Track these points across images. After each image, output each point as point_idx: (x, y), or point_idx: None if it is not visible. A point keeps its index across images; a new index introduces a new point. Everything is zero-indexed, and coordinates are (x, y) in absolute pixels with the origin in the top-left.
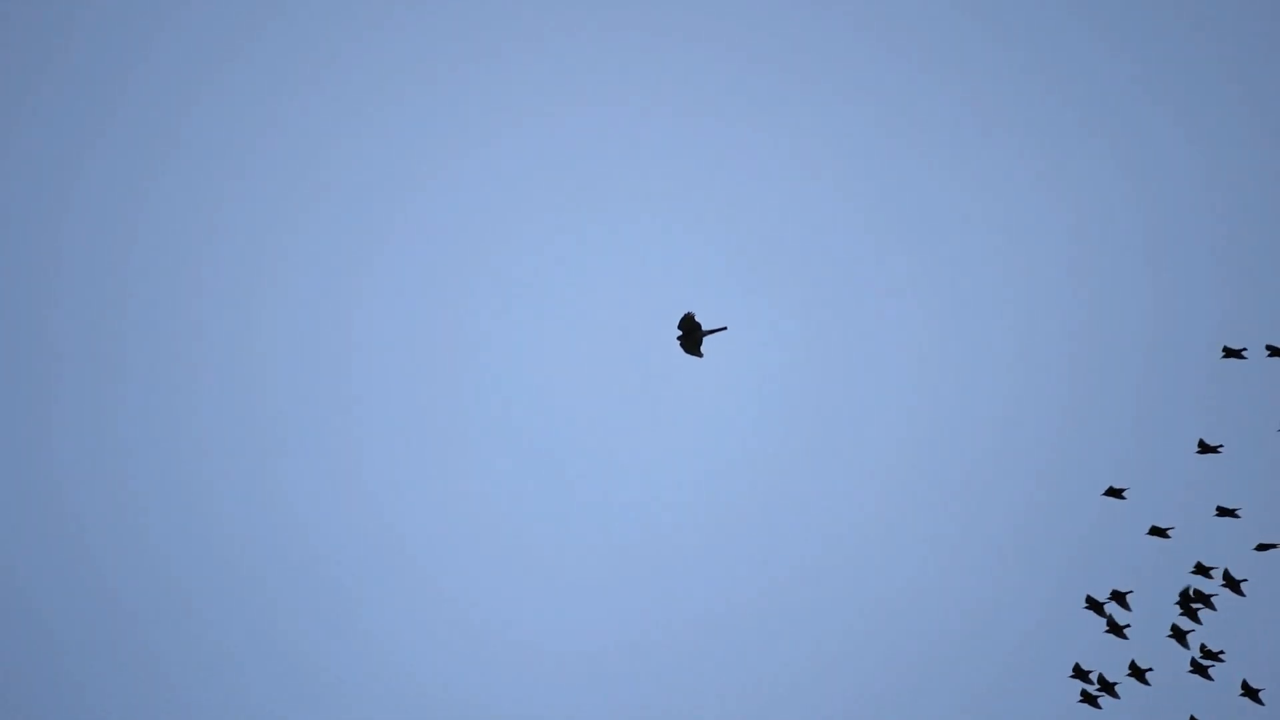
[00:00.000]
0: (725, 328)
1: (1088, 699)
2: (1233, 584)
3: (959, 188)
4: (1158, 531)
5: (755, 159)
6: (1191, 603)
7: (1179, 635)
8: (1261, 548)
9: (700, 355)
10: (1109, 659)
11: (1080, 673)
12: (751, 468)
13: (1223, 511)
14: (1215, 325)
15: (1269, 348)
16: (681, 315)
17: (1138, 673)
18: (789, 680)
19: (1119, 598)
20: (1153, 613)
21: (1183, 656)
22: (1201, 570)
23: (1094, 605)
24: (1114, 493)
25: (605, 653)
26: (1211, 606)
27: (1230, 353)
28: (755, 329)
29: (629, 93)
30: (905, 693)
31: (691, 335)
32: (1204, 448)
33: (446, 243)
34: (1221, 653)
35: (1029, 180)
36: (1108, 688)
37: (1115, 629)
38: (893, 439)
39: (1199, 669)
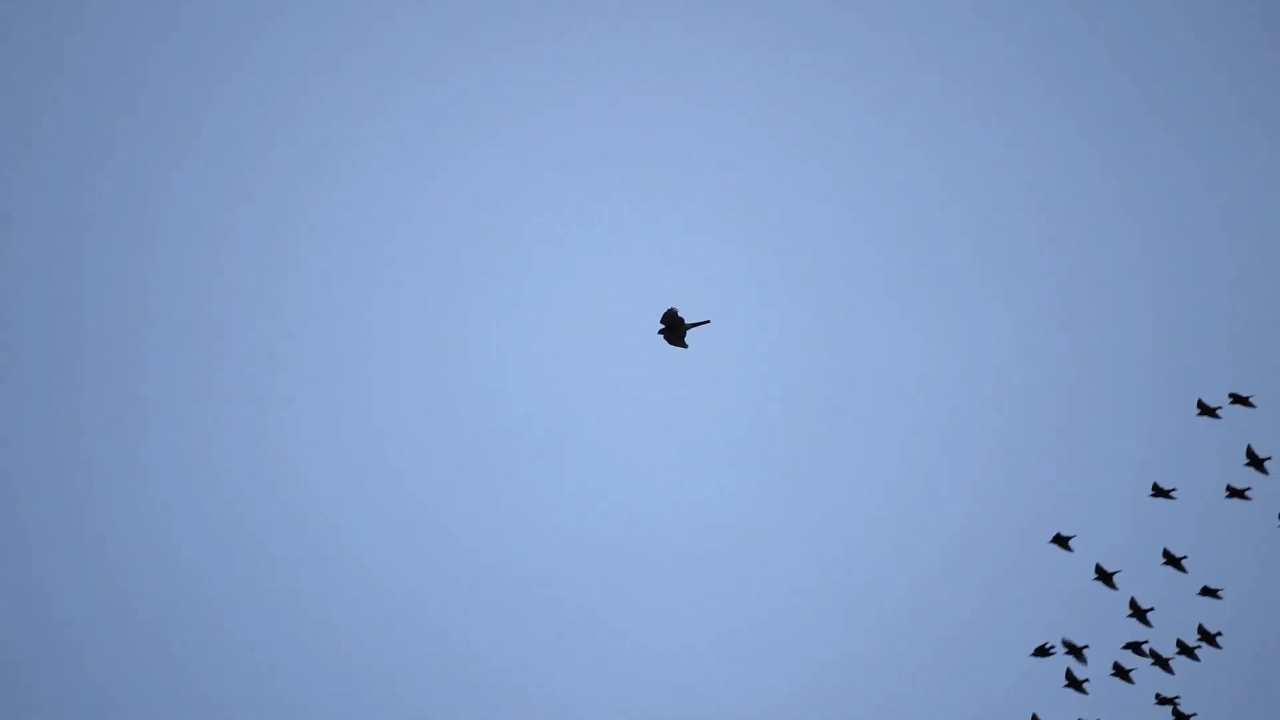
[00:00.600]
0: (709, 321)
1: None
2: (1208, 637)
3: (963, 190)
4: (1103, 575)
5: (760, 158)
6: (1143, 648)
7: (1122, 674)
8: (1205, 593)
9: (685, 346)
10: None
11: None
12: (758, 464)
13: (1169, 559)
14: (1215, 327)
15: (1232, 396)
16: (664, 311)
17: None
18: (797, 678)
19: (1075, 651)
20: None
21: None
22: (1137, 612)
23: (1041, 652)
24: (1060, 541)
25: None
26: (1195, 658)
27: (1205, 410)
28: (768, 327)
29: (635, 89)
30: (915, 693)
31: (675, 329)
32: (1158, 491)
33: (457, 238)
34: (1177, 698)
35: (1033, 185)
36: None
37: (1074, 683)
38: (899, 436)
39: (1180, 716)
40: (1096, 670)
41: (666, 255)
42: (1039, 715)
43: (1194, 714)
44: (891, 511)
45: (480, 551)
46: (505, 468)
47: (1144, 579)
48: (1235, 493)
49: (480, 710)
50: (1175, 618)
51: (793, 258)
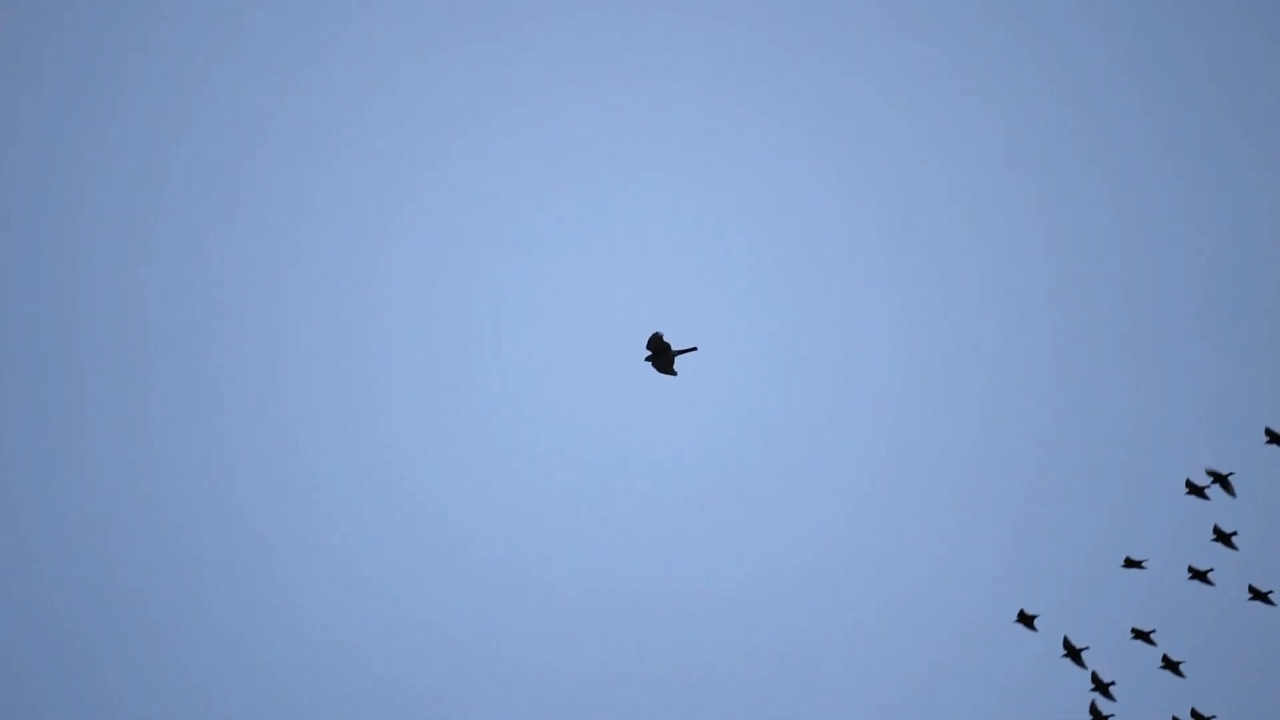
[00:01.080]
0: (695, 348)
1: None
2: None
3: (952, 187)
4: (1071, 652)
5: (767, 148)
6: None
7: (1097, 715)
8: (1167, 664)
9: (674, 374)
10: None
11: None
12: (751, 455)
13: (1138, 634)
14: (1204, 324)
15: (1209, 474)
16: (649, 336)
17: None
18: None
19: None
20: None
21: None
22: (1100, 686)
23: None
24: (1025, 619)
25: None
26: None
27: (1193, 489)
28: (772, 318)
29: (637, 79)
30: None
31: (661, 356)
32: (1130, 563)
33: (457, 229)
34: None
35: (1027, 184)
36: None
37: None
38: (889, 432)
39: None
40: None
41: (670, 248)
42: None
43: None
44: (878, 508)
45: (488, 548)
46: (511, 462)
47: (1112, 652)
48: (1197, 574)
49: (487, 708)
50: (1139, 692)
51: (796, 249)
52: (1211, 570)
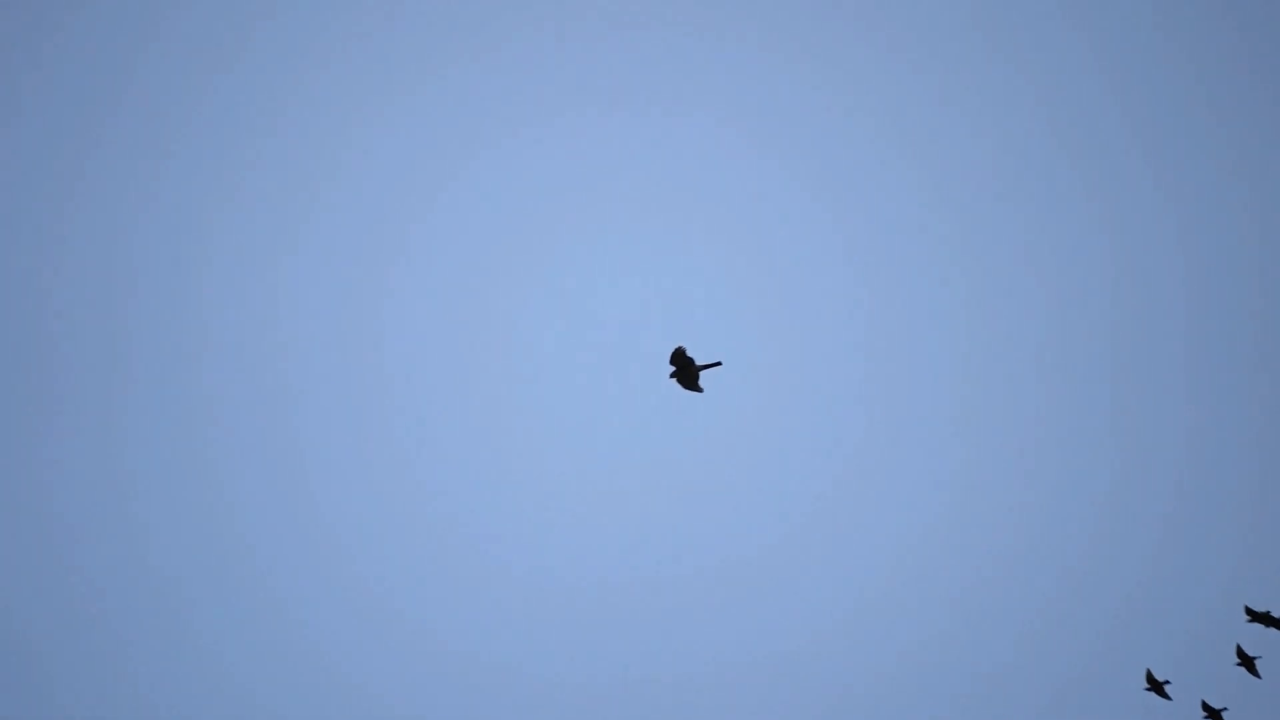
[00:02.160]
0: (720, 362)
1: None
2: None
3: (944, 196)
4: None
5: (756, 167)
6: None
7: None
8: None
9: (700, 390)
10: None
11: None
12: (749, 463)
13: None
14: (1193, 326)
15: (1239, 654)
16: (672, 351)
17: None
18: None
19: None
20: None
21: None
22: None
23: None
24: (1156, 686)
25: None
26: None
27: (1243, 658)
28: (763, 330)
29: (653, 95)
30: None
31: (686, 371)
32: (1152, 683)
33: (461, 243)
34: None
35: (1004, 196)
36: None
37: None
38: (864, 436)
39: None
40: None
41: (666, 266)
42: None
43: None
44: (847, 525)
45: (490, 559)
46: (514, 477)
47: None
48: (1155, 685)
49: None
50: None
51: (786, 266)
52: (1169, 682)
